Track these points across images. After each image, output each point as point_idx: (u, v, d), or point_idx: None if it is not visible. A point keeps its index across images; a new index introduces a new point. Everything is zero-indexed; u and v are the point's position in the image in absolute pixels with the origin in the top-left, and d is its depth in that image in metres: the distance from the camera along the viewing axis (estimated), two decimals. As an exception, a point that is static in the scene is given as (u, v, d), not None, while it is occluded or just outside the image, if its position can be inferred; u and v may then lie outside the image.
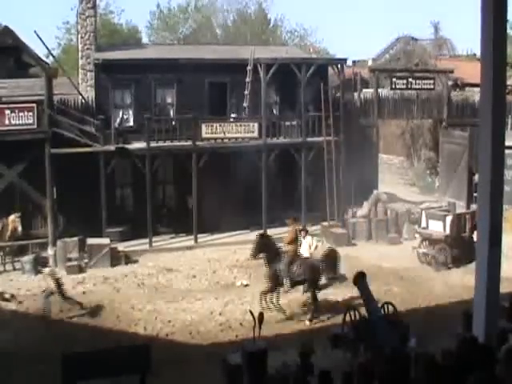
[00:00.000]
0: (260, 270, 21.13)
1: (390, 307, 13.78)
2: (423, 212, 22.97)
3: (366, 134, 29.13)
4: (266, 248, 16.94)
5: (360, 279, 14.07)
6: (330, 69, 27.80)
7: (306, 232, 20.25)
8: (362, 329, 13.30)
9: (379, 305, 13.69)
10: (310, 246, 19.73)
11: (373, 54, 44.41)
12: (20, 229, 22.54)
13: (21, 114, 22.85)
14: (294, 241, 17.55)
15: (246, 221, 24.96)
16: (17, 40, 23.12)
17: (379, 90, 30.00)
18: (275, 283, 16.82)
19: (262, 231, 19.27)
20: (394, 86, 29.81)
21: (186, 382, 12.95)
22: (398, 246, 24.48)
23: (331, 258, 17.39)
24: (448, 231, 21.73)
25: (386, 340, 12.43)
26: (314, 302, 17.01)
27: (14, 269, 22.18)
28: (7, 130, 22.60)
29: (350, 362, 12.44)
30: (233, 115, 26.41)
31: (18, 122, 22.81)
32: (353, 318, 13.69)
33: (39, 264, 22.07)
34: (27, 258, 21.97)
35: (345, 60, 28.43)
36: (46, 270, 19.16)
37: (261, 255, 17.14)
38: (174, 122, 25.30)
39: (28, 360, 14.05)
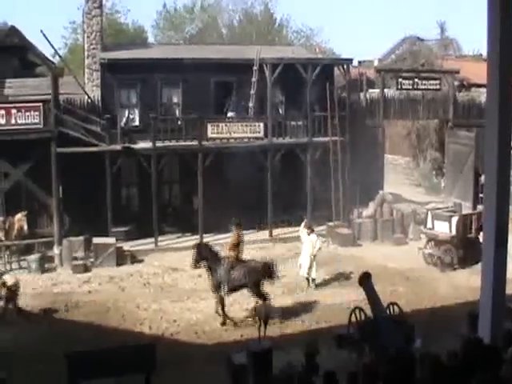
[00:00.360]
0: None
1: (396, 308, 13.77)
2: (429, 212, 22.91)
3: (372, 134, 29.08)
4: (206, 256, 16.86)
5: (365, 280, 14.07)
6: (335, 69, 27.78)
7: (312, 231, 20.24)
8: (367, 329, 13.30)
9: (384, 305, 13.69)
10: (314, 247, 19.73)
11: (379, 54, 44.34)
12: (26, 228, 22.62)
13: (27, 113, 22.90)
14: (237, 246, 17.20)
15: (251, 221, 24.92)
16: (23, 39, 23.16)
17: (385, 91, 29.95)
18: (217, 290, 16.68)
19: (198, 241, 18.98)
20: (399, 87, 29.75)
21: (190, 381, 12.95)
22: (404, 247, 24.43)
23: (269, 272, 16.90)
24: (454, 232, 21.68)
25: (391, 340, 12.42)
26: (264, 302, 16.63)
27: (20, 268, 22.25)
28: (13, 130, 22.64)
29: (355, 362, 12.45)
30: (230, 114, 26.36)
31: (24, 122, 22.86)
32: (358, 318, 13.69)
33: (45, 263, 22.18)
34: (33, 257, 22.03)
35: (351, 60, 28.39)
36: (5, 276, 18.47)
37: (202, 264, 17.02)
38: (179, 122, 25.32)
39: (29, 359, 14.02)
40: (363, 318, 13.67)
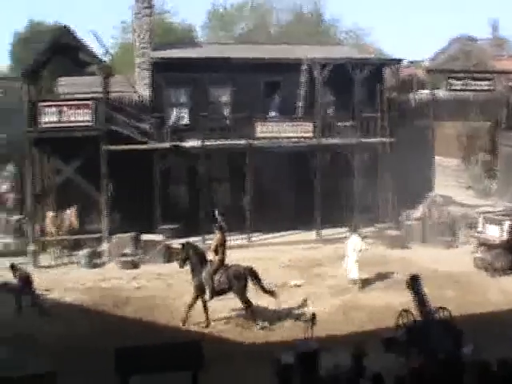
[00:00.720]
0: (313, 271, 21.18)
1: (444, 312, 13.58)
2: (481, 216, 22.49)
3: (422, 135, 28.71)
4: (190, 257, 16.74)
5: (414, 282, 13.94)
6: (385, 69, 27.52)
7: (354, 231, 20.12)
8: (415, 333, 13.16)
9: (433, 309, 13.50)
10: (355, 248, 19.64)
11: (429, 54, 43.81)
12: (76, 223, 23.03)
13: (78, 111, 23.33)
14: (220, 248, 16.90)
15: (299, 221, 24.92)
16: (75, 39, 23.61)
17: (435, 91, 29.56)
18: (200, 293, 16.52)
19: (185, 240, 18.38)
20: (450, 87, 29.35)
21: (237, 379, 12.98)
22: (453, 250, 24.08)
23: (255, 274, 16.74)
24: (506, 236, 21.22)
25: (440, 345, 12.29)
26: (248, 307, 16.49)
27: (70, 262, 22.68)
28: (65, 127, 23.12)
29: (403, 365, 12.32)
30: (272, 113, 26.31)
31: (75, 119, 23.30)
32: (406, 321, 13.54)
33: (94, 258, 22.55)
34: (83, 253, 22.45)
35: (401, 60, 28.13)
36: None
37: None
38: (228, 121, 25.41)
39: (80, 353, 14.30)
40: (411, 321, 13.53)
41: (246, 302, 16.51)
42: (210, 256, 16.93)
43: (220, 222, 17.54)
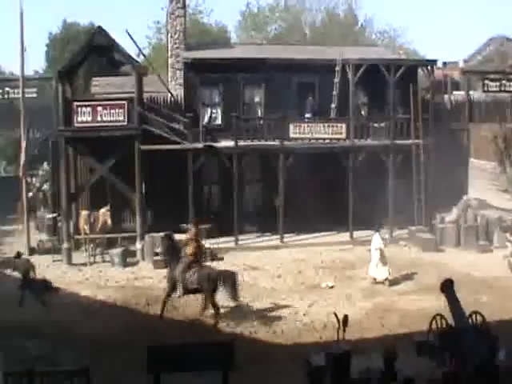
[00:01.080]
0: (345, 273, 21.08)
1: (479, 317, 13.38)
2: (516, 220, 22.18)
3: (457, 137, 28.41)
4: (166, 251, 16.75)
5: (447, 286, 13.75)
6: (419, 70, 27.27)
7: (377, 231, 20.38)
8: (448, 337, 12.99)
9: (467, 314, 13.32)
10: (376, 247, 19.91)
11: (464, 55, 43.30)
12: (110, 222, 23.24)
13: (112, 110, 23.51)
14: (192, 243, 16.84)
15: (332, 222, 24.82)
16: (109, 39, 23.79)
17: (471, 93, 29.23)
18: (172, 287, 16.49)
19: (167, 232, 17.87)
20: (486, 89, 29.02)
21: (268, 380, 12.96)
22: (488, 254, 23.72)
23: (230, 280, 16.52)
24: (541, 240, 20.90)
25: (474, 351, 12.10)
26: (213, 307, 16.38)
27: (104, 261, 22.91)
28: (99, 127, 23.33)
29: (435, 370, 12.18)
30: (307, 115, 26.24)
31: (109, 119, 23.50)
32: (439, 325, 13.38)
33: (128, 257, 22.73)
34: (116, 251, 22.64)
35: (435, 61, 27.81)
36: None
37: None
38: (261, 121, 25.42)
39: (114, 348, 14.50)
40: (444, 325, 13.36)
41: (214, 306, 16.35)
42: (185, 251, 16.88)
43: (196, 218, 17.69)
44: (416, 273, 20.91)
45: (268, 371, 13.25)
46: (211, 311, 16.49)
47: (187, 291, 16.52)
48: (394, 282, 19.94)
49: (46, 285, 18.15)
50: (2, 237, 24.95)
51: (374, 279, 19.96)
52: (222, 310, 16.66)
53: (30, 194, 28.86)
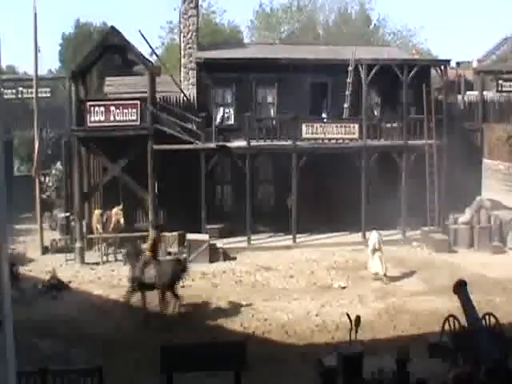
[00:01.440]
0: (358, 273, 21.03)
1: (492, 319, 13.29)
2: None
3: (470, 138, 28.29)
4: (129, 252, 17.68)
5: (460, 288, 13.65)
6: (432, 70, 27.15)
7: (374, 229, 20.69)
8: (461, 339, 12.90)
9: (480, 315, 13.24)
10: (375, 245, 20.15)
11: (478, 55, 43.06)
12: (123, 221, 23.29)
13: (125, 110, 23.57)
14: (151, 242, 17.97)
15: (344, 222, 24.75)
16: (122, 39, 23.84)
17: (484, 93, 29.08)
18: (133, 286, 17.08)
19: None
20: (500, 89, 28.91)
21: (280, 380, 12.98)
22: (502, 256, 23.60)
23: (179, 268, 17.38)
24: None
25: (488, 352, 12.01)
26: (164, 303, 16.98)
27: (116, 260, 22.97)
28: (112, 126, 23.38)
29: (448, 372, 12.11)
30: (323, 115, 26.21)
31: (122, 119, 23.55)
32: (452, 327, 13.31)
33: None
34: (128, 250, 22.65)
35: (448, 61, 27.67)
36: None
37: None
38: (274, 122, 25.41)
39: (127, 347, 14.57)
40: (457, 327, 13.29)
41: (175, 297, 16.99)
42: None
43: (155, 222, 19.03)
44: (429, 273, 20.83)
45: (280, 371, 13.27)
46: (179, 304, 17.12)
47: (146, 287, 17.08)
48: (393, 279, 20.10)
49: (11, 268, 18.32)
50: (15, 236, 25.05)
51: (375, 274, 20.17)
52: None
53: (48, 193, 29.11)
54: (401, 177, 25.16)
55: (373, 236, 20.63)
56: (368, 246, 20.78)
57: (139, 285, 16.96)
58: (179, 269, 17.27)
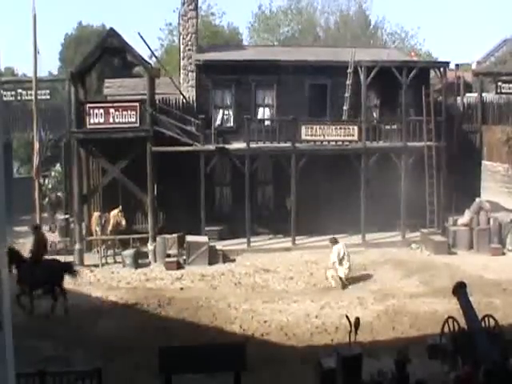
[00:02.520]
0: (357, 275, 21.01)
1: (491, 320, 13.29)
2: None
3: (469, 139, 28.31)
4: (13, 258, 17.41)
5: (460, 289, 13.67)
6: (432, 72, 27.18)
7: (334, 243, 20.35)
8: (461, 340, 12.91)
9: (479, 317, 13.25)
10: (339, 256, 19.88)
11: (477, 56, 43.11)
12: (123, 223, 23.28)
13: (124, 112, 23.54)
14: (35, 245, 18.39)
15: (344, 224, 24.73)
16: (121, 41, 23.84)
17: (483, 95, 29.11)
18: (23, 286, 17.33)
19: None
20: (499, 91, 28.91)
21: (280, 381, 12.96)
22: (501, 257, 23.57)
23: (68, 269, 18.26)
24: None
25: (487, 354, 12.02)
26: (54, 302, 17.42)
27: (115, 262, 22.97)
28: (111, 128, 23.35)
29: (448, 374, 12.12)
30: (326, 117, 26.21)
31: (121, 121, 23.52)
32: (451, 328, 13.31)
33: (139, 258, 22.77)
34: (128, 252, 22.68)
35: (447, 63, 27.68)
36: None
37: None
38: (273, 123, 25.40)
39: (126, 349, 14.53)
40: (456, 328, 13.29)
41: (54, 298, 17.41)
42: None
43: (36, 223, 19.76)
44: (428, 275, 20.81)
45: (280, 373, 13.25)
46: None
47: (34, 286, 17.49)
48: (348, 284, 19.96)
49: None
50: (15, 238, 25.03)
51: (340, 278, 19.86)
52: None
53: (52, 195, 29.12)
54: (400, 178, 25.16)
55: (335, 250, 20.15)
56: (331, 258, 20.22)
57: (32, 285, 17.38)
58: (61, 269, 17.89)
